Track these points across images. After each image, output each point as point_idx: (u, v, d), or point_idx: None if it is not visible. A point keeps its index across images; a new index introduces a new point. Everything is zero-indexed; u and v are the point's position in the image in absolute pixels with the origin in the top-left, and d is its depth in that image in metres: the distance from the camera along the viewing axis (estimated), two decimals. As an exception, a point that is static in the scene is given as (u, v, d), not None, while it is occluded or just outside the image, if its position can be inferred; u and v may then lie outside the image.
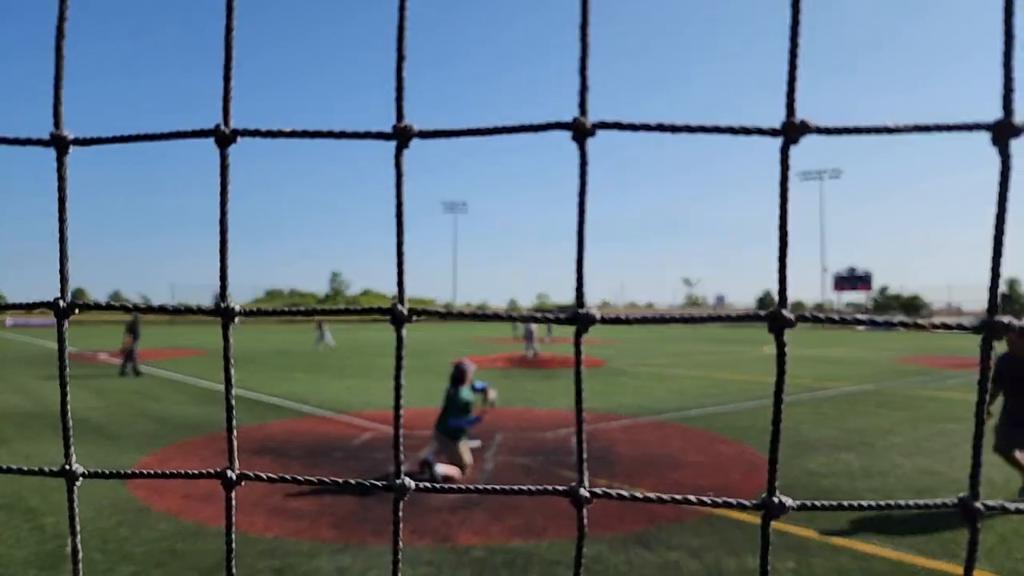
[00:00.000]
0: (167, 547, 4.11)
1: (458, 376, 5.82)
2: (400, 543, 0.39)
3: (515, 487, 0.39)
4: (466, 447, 5.82)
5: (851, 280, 58.91)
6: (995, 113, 0.35)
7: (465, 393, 5.83)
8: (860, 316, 0.38)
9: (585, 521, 0.36)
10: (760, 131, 0.36)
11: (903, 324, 0.41)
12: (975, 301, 57.17)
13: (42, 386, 12.42)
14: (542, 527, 4.49)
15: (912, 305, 61.66)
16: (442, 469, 5.59)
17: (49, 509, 4.84)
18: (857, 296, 62.17)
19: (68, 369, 0.41)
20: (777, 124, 0.36)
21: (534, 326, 19.83)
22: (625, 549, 4.11)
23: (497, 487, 0.40)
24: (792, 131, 0.35)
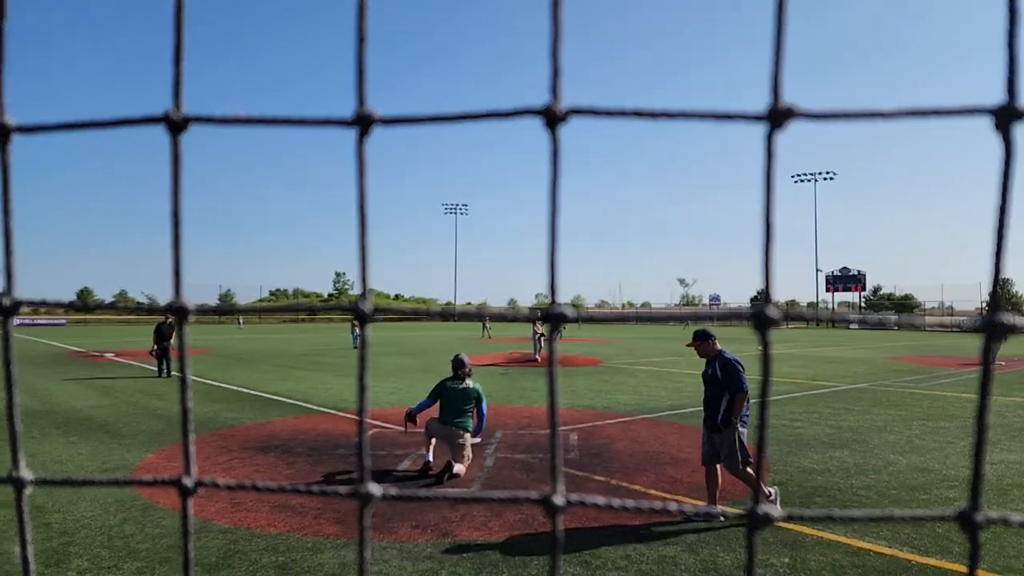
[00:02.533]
0: (172, 543, 4.12)
1: (459, 367, 5.86)
2: (368, 553, 0.37)
3: (488, 495, 0.37)
4: (469, 443, 5.84)
5: (844, 280, 59.09)
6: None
7: (472, 389, 5.88)
8: (853, 315, 0.36)
9: (560, 530, 0.34)
10: (743, 116, 0.34)
11: (898, 324, 0.39)
12: (967, 301, 57.42)
13: (47, 385, 12.37)
14: (541, 522, 4.49)
15: (905, 305, 61.86)
16: (456, 469, 5.62)
17: (55, 506, 4.84)
18: (850, 296, 62.36)
19: (15, 368, 0.39)
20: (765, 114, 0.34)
21: (540, 328, 19.71)
22: (623, 544, 4.11)
23: (468, 495, 0.38)
24: (778, 117, 0.33)
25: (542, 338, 18.81)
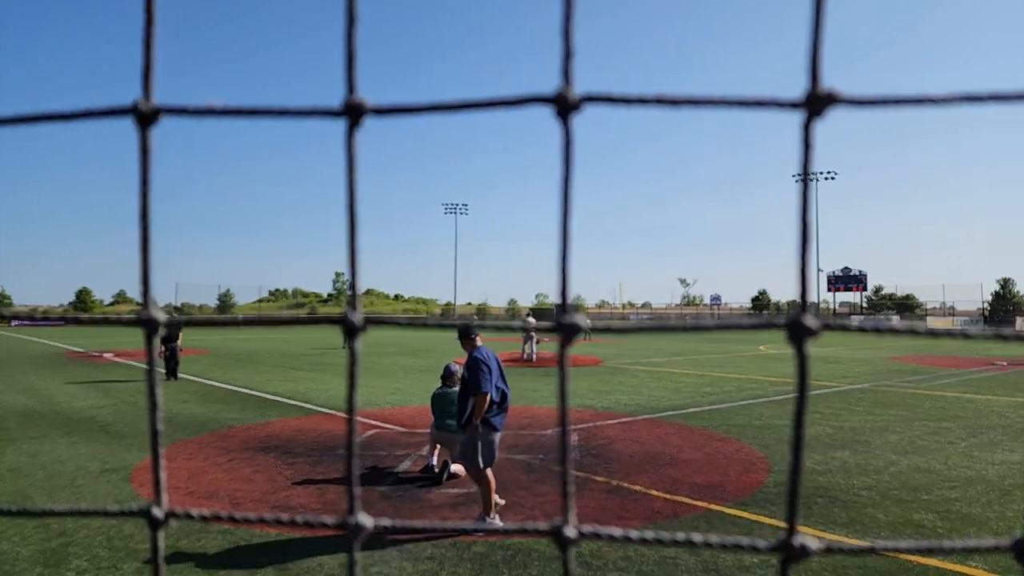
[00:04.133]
0: (171, 544, 4.12)
1: (447, 377, 6.02)
2: (360, 585, 0.34)
3: (495, 527, 0.34)
4: None
5: (845, 280, 59.01)
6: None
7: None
8: (895, 324, 0.33)
9: (571, 565, 0.31)
10: (779, 104, 0.31)
11: (932, 333, 0.35)
12: (969, 301, 57.37)
13: (47, 385, 12.35)
14: (542, 523, 4.46)
15: (906, 305, 61.81)
16: (454, 468, 5.66)
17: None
18: (852, 296, 62.28)
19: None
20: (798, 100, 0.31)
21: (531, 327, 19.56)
22: (623, 545, 4.09)
23: (471, 527, 0.34)
24: (817, 103, 0.30)
25: (532, 340, 18.68)
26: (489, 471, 4.48)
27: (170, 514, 0.32)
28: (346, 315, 0.31)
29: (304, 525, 0.34)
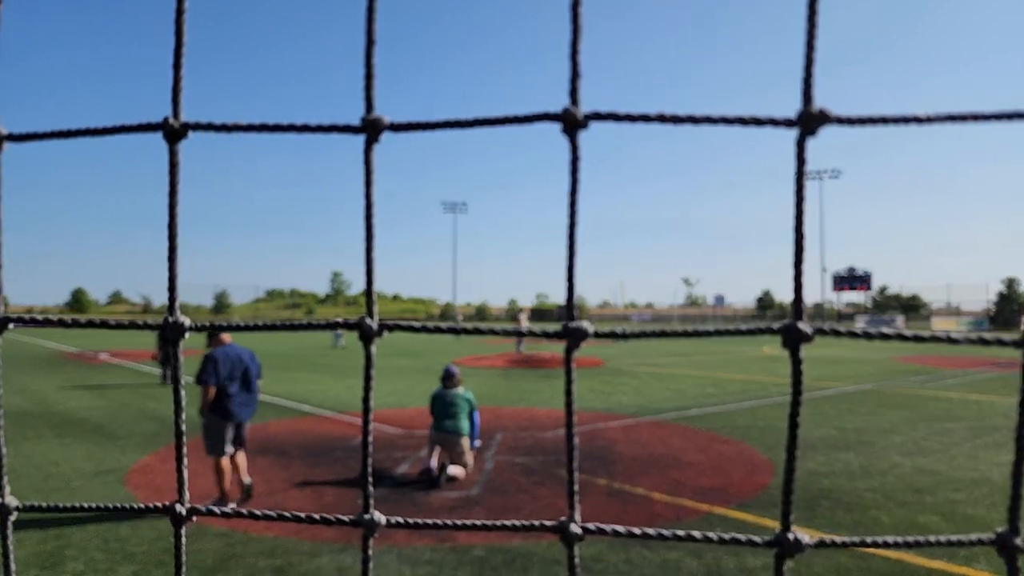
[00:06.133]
0: (167, 546, 4.11)
1: (447, 379, 6.01)
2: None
3: (501, 523, 0.36)
4: (467, 448, 5.87)
5: (850, 280, 58.77)
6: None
7: (461, 394, 5.97)
8: (885, 329, 0.34)
9: (577, 560, 0.32)
10: (774, 122, 0.32)
11: (935, 339, 0.37)
12: (974, 301, 57.22)
13: (41, 386, 12.38)
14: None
15: (911, 305, 61.63)
16: (452, 470, 5.65)
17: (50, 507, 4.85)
18: (857, 296, 62.06)
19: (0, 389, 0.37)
20: (792, 117, 0.32)
21: (525, 326, 19.97)
22: (625, 548, 4.09)
23: (479, 523, 0.36)
24: (810, 121, 0.31)
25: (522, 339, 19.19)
26: (225, 460, 4.87)
27: (192, 511, 0.34)
28: (363, 320, 0.33)
29: (321, 522, 0.35)
